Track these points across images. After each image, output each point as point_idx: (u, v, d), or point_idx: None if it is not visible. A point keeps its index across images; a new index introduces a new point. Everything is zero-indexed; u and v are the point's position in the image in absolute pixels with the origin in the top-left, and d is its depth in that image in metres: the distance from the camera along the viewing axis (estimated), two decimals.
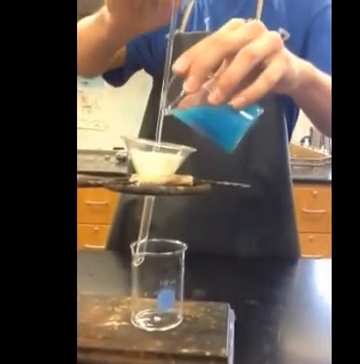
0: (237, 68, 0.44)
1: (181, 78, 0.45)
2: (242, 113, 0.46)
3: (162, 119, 0.49)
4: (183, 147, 0.48)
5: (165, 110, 0.48)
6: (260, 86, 0.44)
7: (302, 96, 0.63)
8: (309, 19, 0.84)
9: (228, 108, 0.45)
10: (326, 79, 0.62)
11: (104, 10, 0.63)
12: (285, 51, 0.47)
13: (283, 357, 0.54)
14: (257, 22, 0.46)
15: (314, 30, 0.83)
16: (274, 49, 0.46)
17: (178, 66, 0.44)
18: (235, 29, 0.45)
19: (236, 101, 0.44)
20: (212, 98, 0.44)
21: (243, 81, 0.44)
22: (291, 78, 0.50)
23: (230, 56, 0.44)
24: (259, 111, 0.47)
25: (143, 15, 0.59)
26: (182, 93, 0.46)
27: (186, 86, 0.44)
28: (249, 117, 0.47)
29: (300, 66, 0.54)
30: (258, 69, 0.45)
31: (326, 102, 0.62)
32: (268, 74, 0.45)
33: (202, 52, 0.44)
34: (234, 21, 0.47)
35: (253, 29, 0.45)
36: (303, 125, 2.66)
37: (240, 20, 0.47)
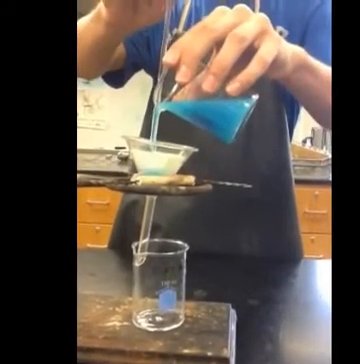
0: (228, 52, 0.43)
1: (174, 73, 0.44)
2: (237, 101, 0.46)
3: (158, 116, 0.48)
4: (185, 147, 0.47)
5: (159, 105, 0.47)
6: (254, 69, 0.43)
7: (296, 81, 0.61)
8: (306, 16, 0.83)
9: (223, 98, 0.44)
10: (319, 64, 0.61)
11: (100, 7, 0.63)
12: (275, 32, 0.46)
13: (285, 357, 0.54)
14: (242, 6, 0.46)
15: (311, 26, 0.83)
16: (263, 30, 0.45)
17: (169, 58, 0.43)
18: (221, 15, 0.45)
19: (231, 87, 0.43)
20: (206, 86, 0.43)
21: (236, 67, 0.43)
22: (284, 59, 0.50)
23: (219, 43, 0.44)
24: (254, 98, 0.46)
25: (139, 10, 0.59)
26: (175, 87, 0.45)
27: (179, 77, 0.43)
28: (245, 104, 0.46)
29: (292, 48, 0.53)
30: (250, 53, 0.44)
31: (320, 87, 0.61)
32: (261, 55, 0.44)
33: (191, 41, 0.43)
34: (220, 8, 0.46)
35: (239, 13, 0.45)
36: (305, 126, 2.65)
37: (226, 7, 0.46)
